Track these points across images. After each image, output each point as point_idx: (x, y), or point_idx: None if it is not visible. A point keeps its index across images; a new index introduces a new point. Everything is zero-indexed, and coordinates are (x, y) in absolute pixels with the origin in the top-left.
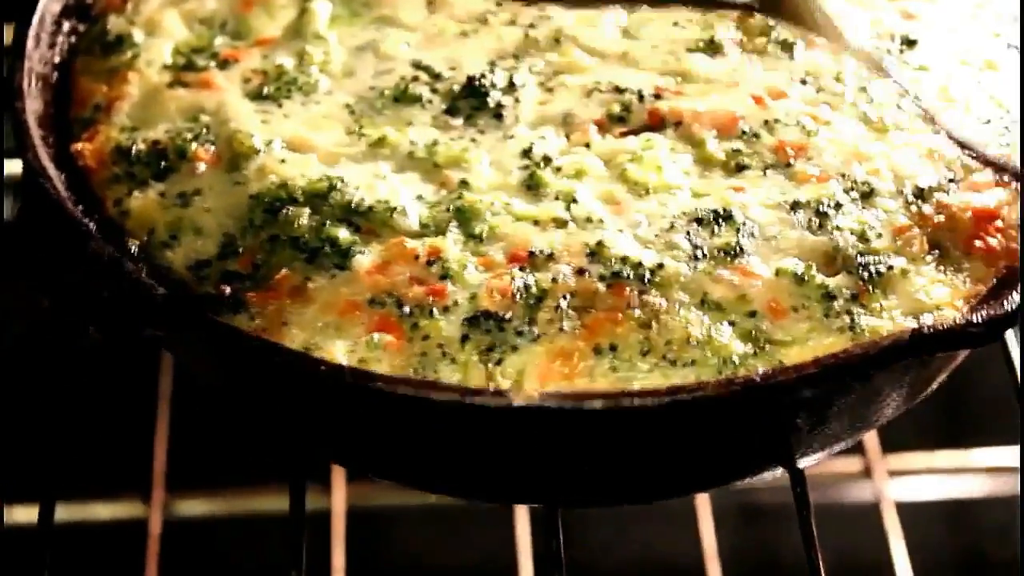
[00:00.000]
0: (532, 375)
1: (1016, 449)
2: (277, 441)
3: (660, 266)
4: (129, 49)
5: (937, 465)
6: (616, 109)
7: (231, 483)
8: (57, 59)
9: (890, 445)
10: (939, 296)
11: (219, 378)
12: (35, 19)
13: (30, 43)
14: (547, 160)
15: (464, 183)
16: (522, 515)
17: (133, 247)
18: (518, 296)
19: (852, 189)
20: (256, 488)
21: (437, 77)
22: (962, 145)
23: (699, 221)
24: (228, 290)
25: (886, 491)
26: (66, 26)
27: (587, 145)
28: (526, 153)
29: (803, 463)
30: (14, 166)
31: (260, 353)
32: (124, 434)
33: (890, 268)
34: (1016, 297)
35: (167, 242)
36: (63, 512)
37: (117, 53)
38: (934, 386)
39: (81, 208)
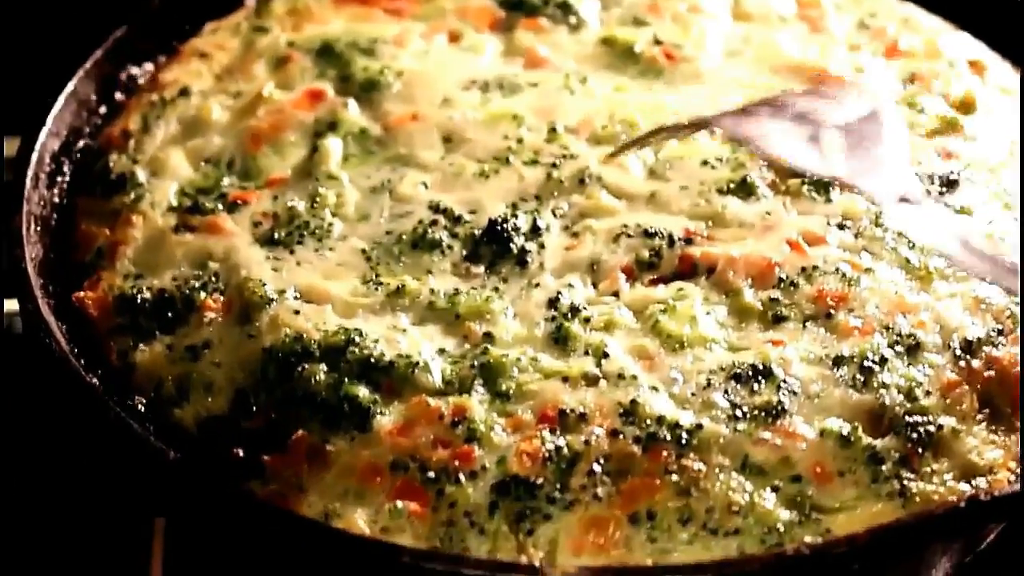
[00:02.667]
0: (565, 546)
1: None
2: None
3: (698, 427)
4: (132, 190)
5: None
6: (645, 255)
7: None
8: (57, 199)
9: None
10: (992, 458)
11: (227, 547)
12: (33, 158)
13: (28, 184)
14: (575, 311)
15: (488, 336)
16: None
17: (140, 404)
18: (549, 460)
19: (897, 343)
20: None
21: (457, 220)
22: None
23: (737, 378)
24: (241, 453)
25: None
26: (66, 165)
27: (616, 294)
28: (552, 303)
29: None
30: None
31: (276, 523)
32: None
33: (940, 428)
34: None
35: (175, 399)
36: None
37: (120, 194)
38: (983, 545)
39: (83, 363)
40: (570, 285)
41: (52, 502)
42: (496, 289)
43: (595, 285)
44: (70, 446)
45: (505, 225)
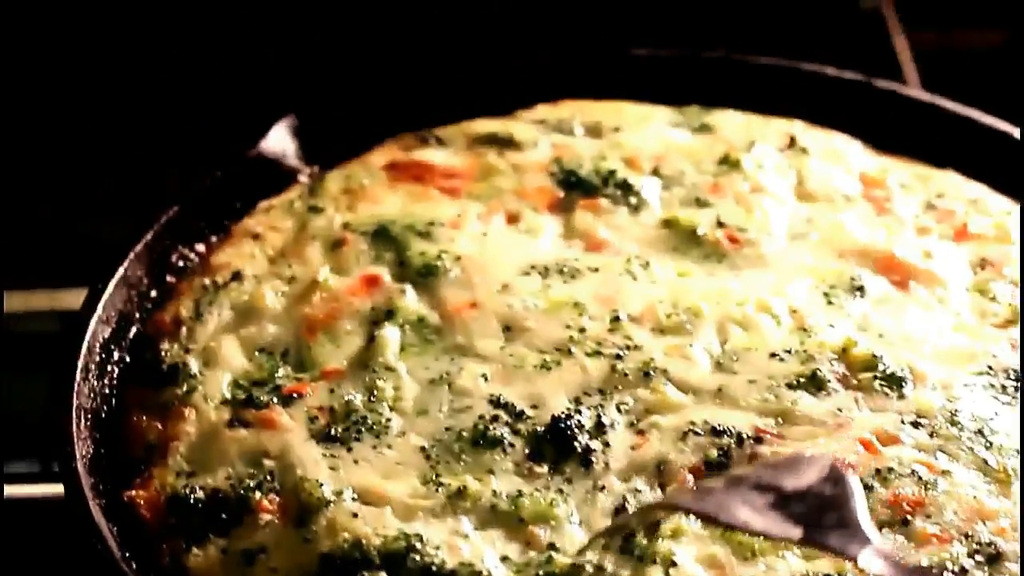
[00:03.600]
0: None
1: None
2: None
3: None
4: (184, 382)
5: None
6: (714, 455)
7: None
8: (107, 390)
9: None
10: None
11: None
12: (83, 348)
13: (78, 376)
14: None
15: (552, 545)
16: None
17: None
18: None
19: (977, 552)
20: None
21: (519, 416)
22: None
23: None
24: None
25: None
26: (116, 354)
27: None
28: (619, 511)
29: None
30: None
31: None
32: None
33: None
34: None
35: None
36: None
37: (171, 385)
38: None
39: (136, 567)
40: (637, 490)
41: None
42: (560, 491)
43: (663, 487)
44: None
45: (569, 423)
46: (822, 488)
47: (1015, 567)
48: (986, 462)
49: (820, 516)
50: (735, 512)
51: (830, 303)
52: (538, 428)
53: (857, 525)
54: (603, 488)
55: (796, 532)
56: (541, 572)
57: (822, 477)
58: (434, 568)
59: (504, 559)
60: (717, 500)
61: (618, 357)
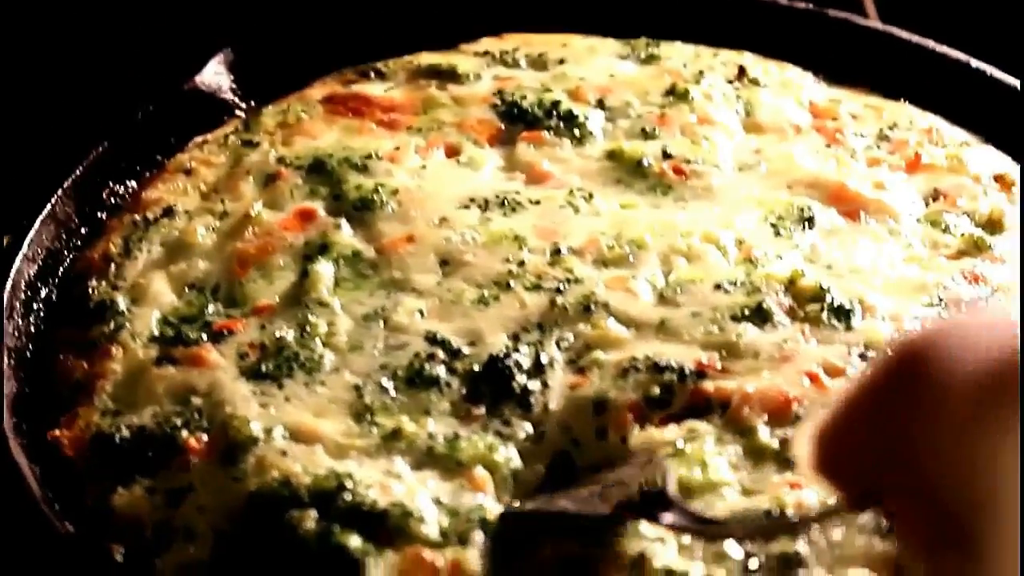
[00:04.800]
0: None
1: None
2: None
3: None
4: (112, 319)
5: None
6: (655, 391)
7: None
8: (33, 328)
9: None
10: None
11: None
12: (7, 286)
13: (3, 315)
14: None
15: (487, 491)
16: None
17: (118, 553)
18: None
19: None
20: None
21: (455, 355)
22: None
23: None
24: None
25: None
26: (43, 292)
27: (623, 439)
28: (556, 456)
29: None
30: None
31: None
32: None
33: None
34: None
35: (155, 546)
36: None
37: (99, 323)
38: None
39: (59, 507)
40: (574, 442)
41: None
42: (499, 434)
43: (602, 432)
44: None
45: (507, 362)
46: (636, 472)
47: None
48: None
49: (633, 493)
50: (555, 503)
51: (778, 235)
52: (475, 367)
53: (663, 492)
54: (543, 435)
55: (605, 508)
56: (474, 516)
57: (638, 464)
58: (364, 507)
59: (437, 501)
60: (544, 499)
61: (558, 291)
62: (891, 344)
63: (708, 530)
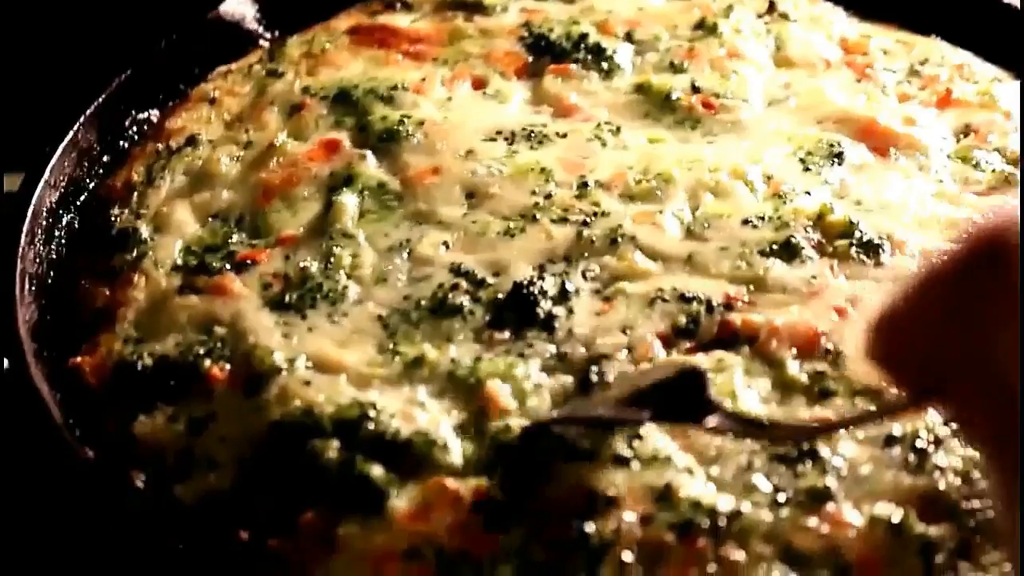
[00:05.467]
0: None
1: None
2: None
3: (738, 513)
4: (135, 247)
5: None
6: (682, 321)
7: None
8: (55, 256)
9: None
10: None
11: None
12: (29, 212)
13: (23, 240)
14: (605, 385)
15: (509, 412)
16: None
17: (139, 480)
18: (576, 548)
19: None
20: None
21: (480, 284)
22: None
23: (781, 459)
24: (245, 536)
25: None
26: (64, 219)
27: (650, 361)
28: (585, 379)
29: None
30: None
31: None
32: None
33: None
34: None
35: (176, 474)
36: None
37: (121, 251)
38: None
39: (79, 434)
40: (602, 356)
41: None
42: (521, 355)
43: (630, 350)
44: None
45: (531, 289)
46: (672, 379)
47: None
48: None
49: (671, 398)
50: (590, 411)
51: (807, 170)
52: (499, 295)
53: (705, 397)
54: (566, 355)
55: (644, 414)
56: (498, 440)
57: (671, 373)
58: (387, 436)
59: (460, 427)
60: (575, 406)
61: (585, 224)
62: (968, 228)
63: (752, 432)
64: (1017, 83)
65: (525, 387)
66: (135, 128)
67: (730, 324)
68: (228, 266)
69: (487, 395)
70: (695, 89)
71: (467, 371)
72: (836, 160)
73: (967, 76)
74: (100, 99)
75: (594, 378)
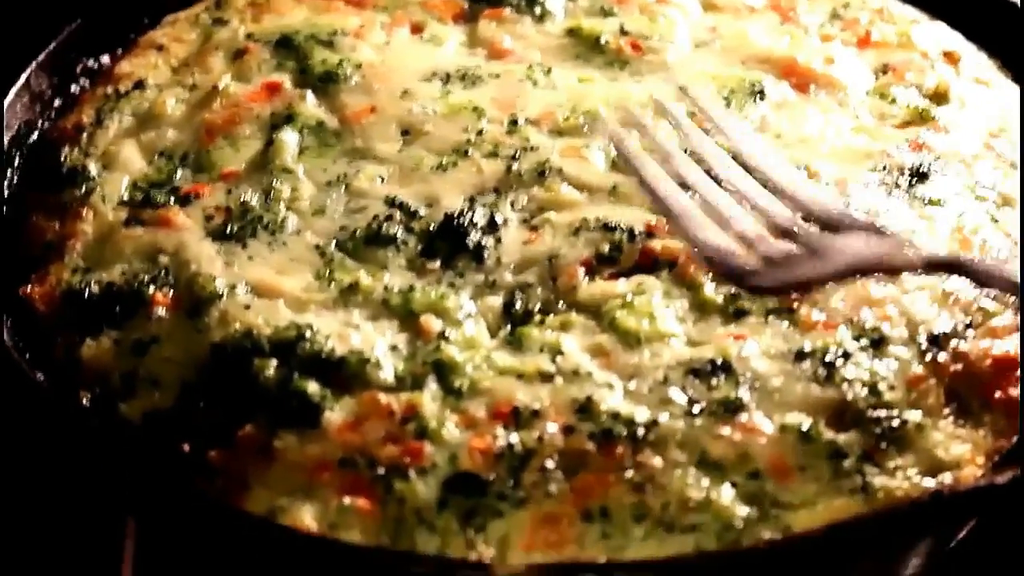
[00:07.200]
0: (516, 543)
1: None
2: None
3: (654, 423)
4: (83, 183)
5: None
6: (605, 248)
7: None
8: (6, 192)
9: None
10: (958, 453)
11: (180, 541)
12: None
13: None
14: (529, 315)
15: (442, 335)
16: None
17: (85, 399)
18: (501, 457)
19: (861, 336)
20: None
21: (413, 215)
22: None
23: (696, 373)
24: (187, 448)
25: None
26: (17, 158)
27: (574, 288)
28: (509, 306)
29: None
30: None
31: (219, 520)
32: None
33: (904, 423)
34: None
35: (122, 394)
36: None
37: (70, 187)
38: (954, 544)
39: (29, 357)
40: (527, 284)
41: (21, 501)
42: (452, 285)
43: (553, 280)
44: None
45: (461, 220)
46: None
47: (900, 351)
48: None
49: None
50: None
51: (729, 107)
52: (432, 226)
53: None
54: (494, 283)
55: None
56: (429, 360)
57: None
58: (323, 355)
59: (393, 348)
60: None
61: (514, 158)
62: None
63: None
64: (935, 24)
65: (457, 317)
66: (86, 74)
67: (651, 250)
68: (173, 200)
69: (421, 326)
70: (624, 32)
71: (400, 299)
72: (758, 97)
73: (887, 18)
74: (52, 46)
75: (519, 304)
